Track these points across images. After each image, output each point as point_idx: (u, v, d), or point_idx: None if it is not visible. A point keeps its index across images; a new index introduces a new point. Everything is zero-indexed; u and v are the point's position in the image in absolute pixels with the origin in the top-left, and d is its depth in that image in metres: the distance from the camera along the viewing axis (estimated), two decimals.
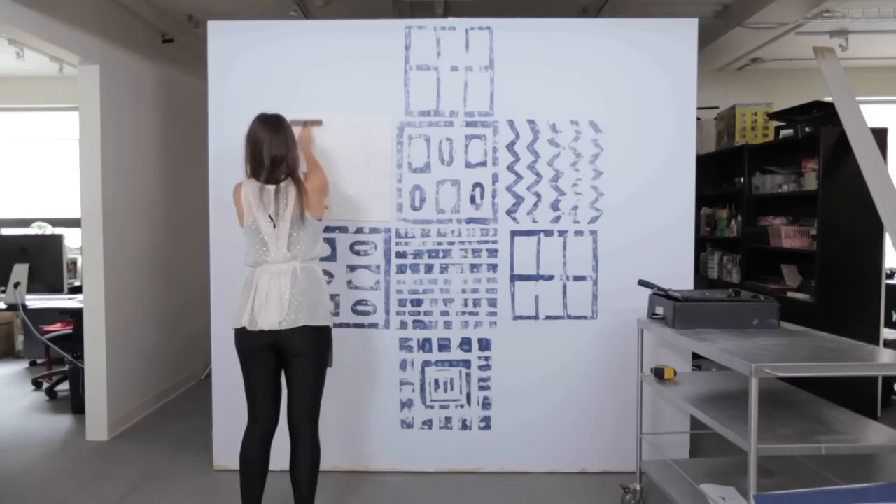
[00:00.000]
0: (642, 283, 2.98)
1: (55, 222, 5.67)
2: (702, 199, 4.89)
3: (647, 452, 2.98)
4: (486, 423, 3.29)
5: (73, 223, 4.90)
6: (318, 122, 3.13)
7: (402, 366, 3.28)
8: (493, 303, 3.26)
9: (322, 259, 3.22)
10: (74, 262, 5.07)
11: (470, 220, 3.24)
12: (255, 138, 2.52)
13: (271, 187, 2.50)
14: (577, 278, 3.25)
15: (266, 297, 2.45)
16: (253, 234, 2.51)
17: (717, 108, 5.46)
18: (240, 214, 2.56)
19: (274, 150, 2.50)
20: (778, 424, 2.18)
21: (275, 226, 2.48)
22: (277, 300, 2.44)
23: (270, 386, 2.54)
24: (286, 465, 2.53)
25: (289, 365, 2.51)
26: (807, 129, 4.33)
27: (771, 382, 2.63)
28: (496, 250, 3.25)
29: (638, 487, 2.89)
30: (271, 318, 2.43)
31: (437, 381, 3.28)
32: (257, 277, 2.50)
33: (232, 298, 3.21)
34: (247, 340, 2.48)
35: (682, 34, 3.22)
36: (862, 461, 3.38)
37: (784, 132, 4.66)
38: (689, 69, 3.21)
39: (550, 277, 3.25)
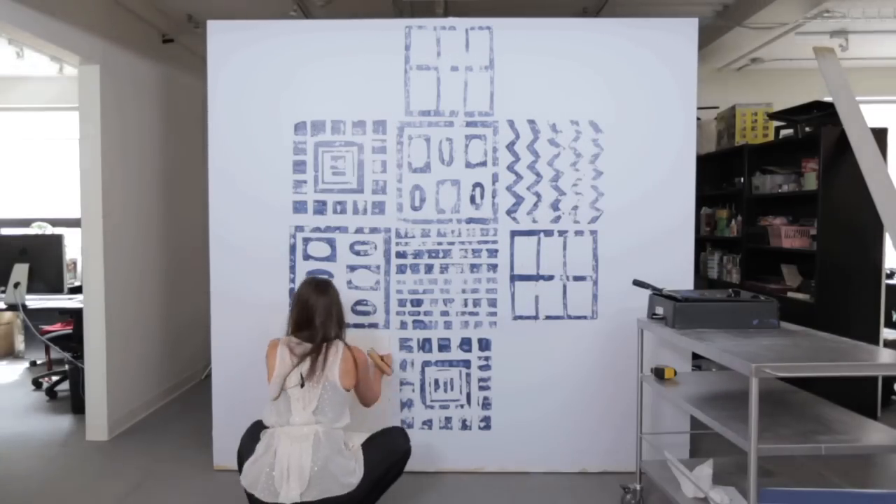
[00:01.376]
0: (637, 283, 2.98)
1: (55, 222, 5.66)
2: (702, 199, 4.89)
3: (647, 452, 2.98)
4: (486, 423, 3.29)
5: (73, 223, 4.89)
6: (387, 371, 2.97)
7: (402, 366, 3.27)
8: (493, 303, 3.26)
9: (322, 259, 3.26)
10: (74, 262, 5.07)
11: (470, 220, 3.24)
12: (306, 301, 2.57)
13: (309, 346, 2.50)
14: (577, 278, 3.25)
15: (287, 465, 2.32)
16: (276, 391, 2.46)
17: (717, 108, 5.45)
18: (270, 370, 2.51)
19: (323, 313, 2.54)
20: (778, 424, 2.17)
21: (303, 385, 2.44)
22: (298, 469, 2.32)
23: None
24: None
25: None
26: (807, 129, 4.33)
27: (771, 382, 2.62)
28: (496, 250, 3.25)
29: (638, 487, 2.88)
30: (292, 490, 2.29)
31: (437, 381, 3.28)
32: (276, 441, 2.38)
33: (232, 299, 3.25)
34: None
35: (681, 34, 3.21)
36: (862, 461, 3.38)
37: (784, 132, 4.66)
38: (689, 69, 3.21)
39: (550, 277, 3.25)
